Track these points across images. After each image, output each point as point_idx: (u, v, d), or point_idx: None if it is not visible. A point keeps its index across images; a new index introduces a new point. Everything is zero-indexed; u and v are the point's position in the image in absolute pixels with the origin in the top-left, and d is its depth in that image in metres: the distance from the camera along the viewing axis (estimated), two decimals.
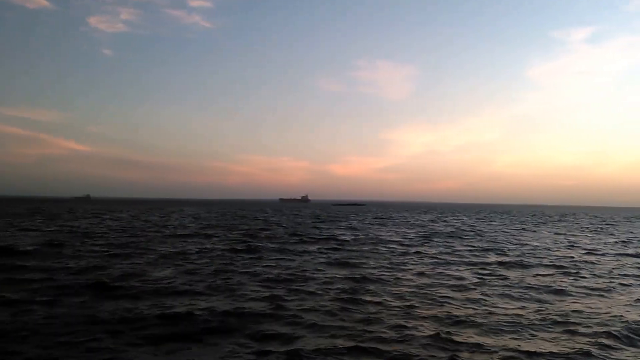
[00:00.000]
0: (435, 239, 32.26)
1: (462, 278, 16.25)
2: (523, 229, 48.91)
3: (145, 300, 11.79)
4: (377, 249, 25.19)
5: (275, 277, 15.56)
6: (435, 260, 20.97)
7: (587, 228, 52.89)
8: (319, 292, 13.27)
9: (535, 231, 45.32)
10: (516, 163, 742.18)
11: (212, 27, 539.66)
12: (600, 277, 17.23)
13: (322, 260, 20.21)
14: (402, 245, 27.69)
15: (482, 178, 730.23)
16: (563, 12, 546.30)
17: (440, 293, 13.53)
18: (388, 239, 31.98)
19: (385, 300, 12.34)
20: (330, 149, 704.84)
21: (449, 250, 25.07)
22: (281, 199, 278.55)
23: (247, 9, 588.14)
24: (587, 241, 33.71)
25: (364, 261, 19.94)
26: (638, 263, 21.39)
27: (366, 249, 25.14)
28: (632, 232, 45.94)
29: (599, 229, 50.72)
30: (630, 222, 75.96)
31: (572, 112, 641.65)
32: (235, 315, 10.33)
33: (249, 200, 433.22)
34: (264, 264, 18.55)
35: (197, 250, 22.58)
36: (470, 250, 25.66)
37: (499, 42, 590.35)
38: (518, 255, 23.14)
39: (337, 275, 16.12)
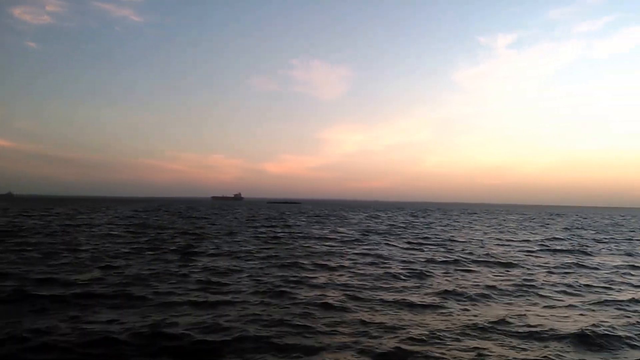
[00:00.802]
0: (370, 237, 32.74)
1: (396, 277, 16.50)
2: (453, 226, 50.79)
3: (66, 310, 10.92)
4: (313, 247, 25.16)
5: (206, 280, 15.04)
6: (369, 259, 21.18)
7: (513, 225, 55.78)
8: (254, 297, 12.95)
9: (465, 228, 47.19)
10: (444, 163, 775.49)
11: (142, 22, 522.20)
12: (531, 274, 18.09)
13: (257, 260, 19.85)
14: (338, 242, 27.87)
15: (413, 177, 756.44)
16: (489, 18, 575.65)
17: (372, 294, 13.63)
18: (324, 237, 32.10)
19: (318, 303, 12.21)
20: (265, 147, 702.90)
21: (383, 249, 25.50)
22: (213, 197, 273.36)
23: (179, 6, 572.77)
24: (516, 238, 35.46)
25: (299, 261, 19.77)
26: (565, 260, 22.70)
27: (303, 247, 25.06)
28: (556, 229, 48.90)
29: (523, 227, 53.63)
30: (553, 219, 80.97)
31: (497, 114, 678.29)
32: (164, 326, 9.75)
33: (182, 198, 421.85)
34: (197, 265, 17.97)
35: (125, 251, 21.54)
36: (404, 248, 26.24)
37: (428, 46, 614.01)
38: (450, 252, 23.91)
39: (273, 277, 15.84)
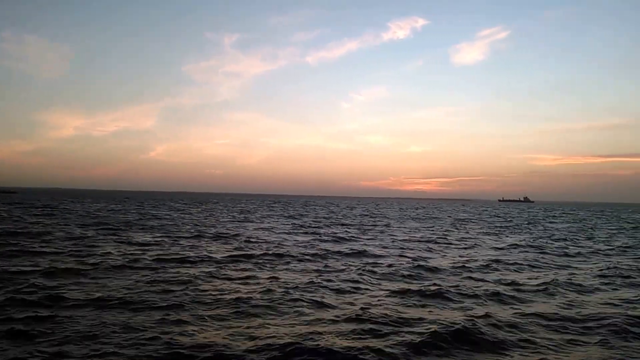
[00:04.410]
0: (104, 230, 31.54)
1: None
2: (184, 214, 52.72)
3: None
4: (47, 245, 22.75)
5: None
6: (109, 257, 20.78)
7: (239, 213, 61.12)
8: None
9: (205, 217, 49.86)
10: (172, 152, 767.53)
11: None
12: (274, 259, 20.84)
13: None
14: (72, 239, 25.89)
15: (140, 165, 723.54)
16: (216, 17, 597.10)
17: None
18: (54, 233, 28.83)
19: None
20: None
21: (121, 244, 25.20)
22: None
23: None
24: (255, 224, 39.38)
25: (31, 263, 18.08)
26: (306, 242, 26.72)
27: (35, 246, 22.40)
28: (273, 216, 55.32)
29: (244, 212, 59.32)
30: (271, 208, 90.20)
31: (222, 107, 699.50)
32: None
33: None
34: None
35: None
36: (147, 241, 26.62)
37: (157, 36, 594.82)
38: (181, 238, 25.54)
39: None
